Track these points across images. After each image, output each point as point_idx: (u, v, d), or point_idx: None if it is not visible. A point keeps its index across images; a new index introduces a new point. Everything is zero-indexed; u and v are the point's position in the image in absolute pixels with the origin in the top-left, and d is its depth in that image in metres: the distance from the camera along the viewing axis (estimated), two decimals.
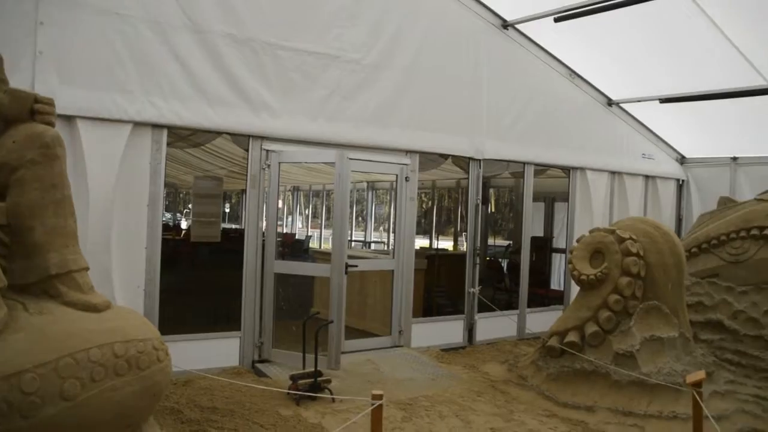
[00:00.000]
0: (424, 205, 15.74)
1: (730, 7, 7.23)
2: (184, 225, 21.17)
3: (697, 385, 4.36)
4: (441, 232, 15.85)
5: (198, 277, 9.82)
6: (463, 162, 8.34)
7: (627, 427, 5.24)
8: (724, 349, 7.11)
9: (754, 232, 7.29)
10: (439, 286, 9.24)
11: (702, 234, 7.88)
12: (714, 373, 6.10)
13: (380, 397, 3.72)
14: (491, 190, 13.50)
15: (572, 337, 6.19)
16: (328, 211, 19.54)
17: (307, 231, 19.96)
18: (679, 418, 5.23)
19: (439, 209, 15.54)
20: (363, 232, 17.79)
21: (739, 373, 6.65)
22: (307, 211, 21.24)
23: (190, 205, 27.62)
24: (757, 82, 8.36)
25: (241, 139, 6.71)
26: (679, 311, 6.30)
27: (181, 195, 23.69)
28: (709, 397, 5.57)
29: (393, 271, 7.53)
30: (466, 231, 8.49)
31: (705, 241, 7.75)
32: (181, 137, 7.37)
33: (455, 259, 9.38)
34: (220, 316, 7.08)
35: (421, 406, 5.50)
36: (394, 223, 7.97)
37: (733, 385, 6.13)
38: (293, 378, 5.61)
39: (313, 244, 17.25)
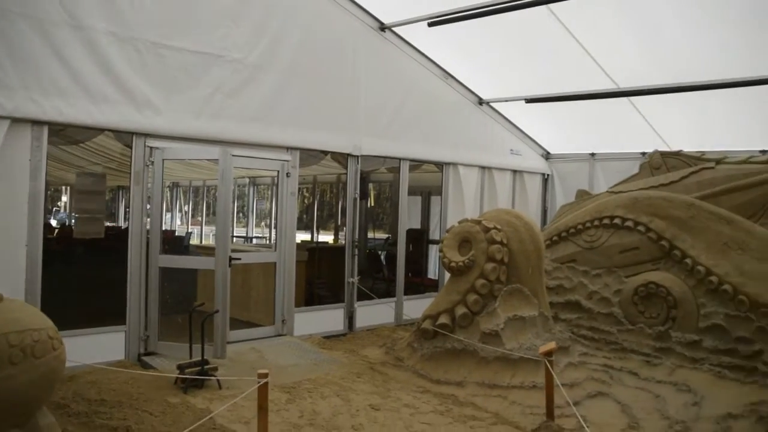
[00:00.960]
0: (305, 200, 15.99)
1: (582, 17, 7.97)
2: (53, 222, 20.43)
3: (549, 354, 4.91)
4: (322, 226, 16.16)
5: (80, 273, 9.64)
6: (342, 158, 8.69)
7: (492, 397, 5.76)
8: (580, 326, 7.90)
9: (606, 221, 8.11)
10: (320, 277, 9.57)
11: (562, 224, 8.64)
12: (570, 347, 6.77)
13: (266, 375, 3.98)
14: (371, 185, 13.95)
15: (444, 319, 6.67)
16: (209, 207, 19.41)
17: (187, 228, 19.71)
18: (537, 387, 5.77)
19: (321, 203, 15.85)
20: (245, 228, 17.82)
21: (591, 346, 7.42)
22: (186, 208, 20.96)
23: (59, 203, 26.56)
24: (610, 86, 9.24)
25: (125, 136, 6.73)
26: (539, 293, 6.94)
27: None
28: (565, 367, 6.21)
29: (275, 263, 7.77)
30: (345, 224, 8.84)
31: (564, 230, 8.53)
32: (61, 134, 7.24)
33: (335, 251, 9.73)
34: (105, 311, 7.06)
35: (305, 389, 5.79)
36: (276, 217, 8.20)
37: (586, 357, 6.83)
38: (180, 367, 5.74)
39: (194, 241, 17.10)
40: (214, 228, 7.83)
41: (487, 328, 6.43)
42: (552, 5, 7.68)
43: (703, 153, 9.09)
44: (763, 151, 9.49)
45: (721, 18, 7.36)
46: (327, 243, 11.27)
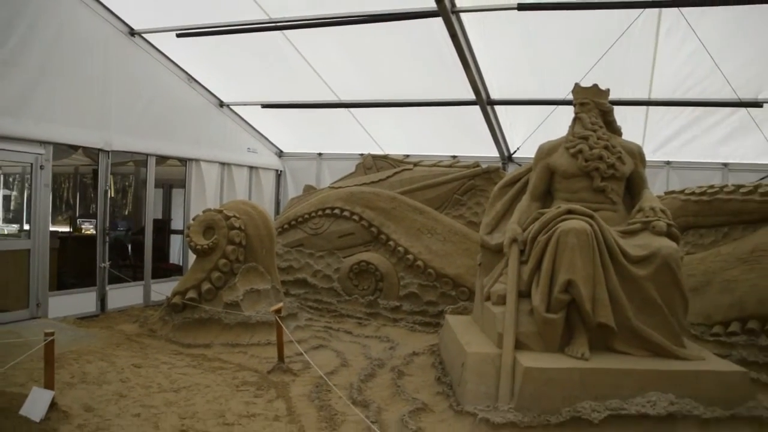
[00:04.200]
0: (60, 191, 15.69)
1: (311, 42, 9.52)
2: None
3: (278, 312, 6.37)
4: (76, 215, 15.96)
5: None
6: (93, 153, 9.27)
7: (235, 353, 7.04)
8: (307, 299, 9.48)
9: (328, 211, 9.79)
10: (74, 263, 9.95)
11: (291, 213, 10.16)
12: (298, 314, 8.30)
13: (52, 333, 4.86)
14: (120, 177, 14.31)
15: (191, 294, 7.78)
16: None
17: None
18: (272, 344, 7.16)
19: (74, 194, 15.62)
20: None
21: (316, 314, 9.04)
22: None
23: None
24: (333, 98, 10.98)
25: None
26: (271, 270, 8.37)
27: None
28: (294, 330, 7.71)
29: (29, 250, 8.19)
30: (97, 214, 9.38)
31: (293, 219, 10.05)
32: None
33: (88, 239, 10.14)
34: None
35: (70, 358, 6.47)
36: (30, 207, 8.53)
37: (311, 322, 8.43)
38: None
39: None
40: None
41: (229, 300, 7.69)
42: (286, 31, 9.15)
43: (407, 156, 11.26)
44: (454, 156, 11.75)
45: (422, 53, 9.34)
46: (80, 231, 11.49)
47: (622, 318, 5.22)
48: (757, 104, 9.31)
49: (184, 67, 10.64)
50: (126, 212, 14.96)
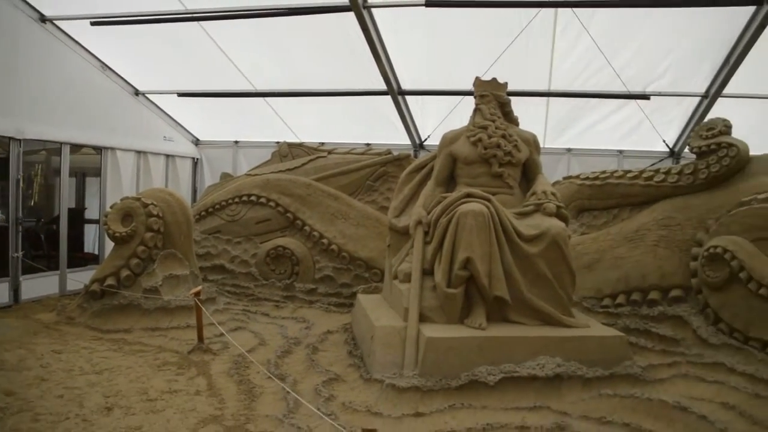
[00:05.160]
0: None
1: (228, 33, 9.70)
2: None
3: (197, 295, 6.63)
4: None
5: None
6: (4, 141, 9.17)
7: (155, 337, 7.23)
8: (225, 285, 9.68)
9: (244, 198, 10.01)
10: None
11: (209, 201, 10.32)
12: (216, 298, 8.55)
13: None
14: (31, 166, 13.99)
15: (110, 281, 7.90)
16: None
17: None
18: (191, 327, 7.37)
19: None
20: None
21: (234, 298, 9.27)
22: None
23: None
24: (249, 88, 11.18)
25: None
26: (189, 256, 8.56)
27: None
28: (213, 313, 7.93)
29: None
30: (9, 204, 9.28)
31: (211, 206, 10.22)
32: None
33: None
34: None
35: None
36: None
37: (229, 306, 8.68)
38: None
39: None
40: None
41: (148, 285, 7.85)
42: (203, 23, 9.31)
43: (322, 144, 11.58)
44: (367, 144, 12.15)
45: (335, 45, 9.68)
46: None
47: (515, 291, 5.80)
48: (645, 96, 10.12)
49: (97, 55, 10.55)
50: (32, 202, 14.69)
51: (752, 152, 6.92)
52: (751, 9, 8.20)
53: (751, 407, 4.91)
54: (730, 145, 6.89)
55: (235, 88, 11.34)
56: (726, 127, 7.04)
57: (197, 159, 13.61)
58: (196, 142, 13.62)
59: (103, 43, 10.22)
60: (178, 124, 12.97)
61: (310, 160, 10.47)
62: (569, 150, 12.01)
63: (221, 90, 11.48)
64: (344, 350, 6.57)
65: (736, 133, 7.06)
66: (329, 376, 5.66)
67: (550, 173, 10.06)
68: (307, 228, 9.70)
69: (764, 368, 5.53)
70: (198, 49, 10.07)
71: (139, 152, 11.65)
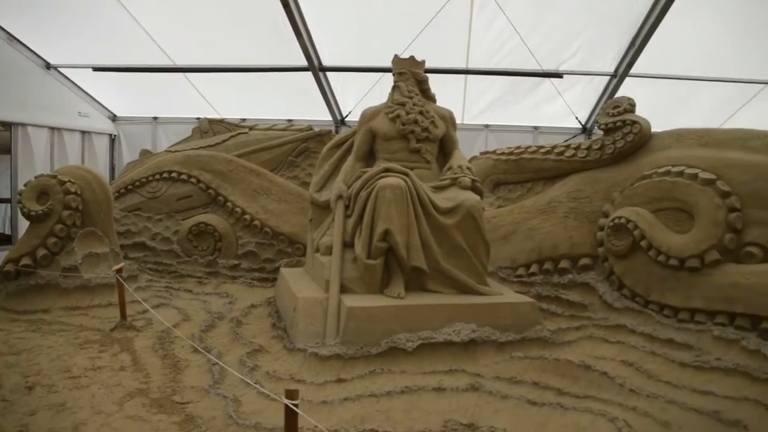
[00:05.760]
0: None
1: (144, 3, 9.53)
2: None
3: (119, 271, 6.61)
4: None
5: None
6: None
7: (76, 316, 7.11)
8: (147, 262, 9.55)
9: (165, 175, 9.86)
10: None
11: (128, 178, 10.13)
12: (138, 275, 8.48)
13: None
14: None
15: (26, 260, 7.71)
16: None
17: None
18: (113, 305, 7.29)
19: None
20: None
21: (156, 276, 9.20)
22: None
23: None
24: (167, 62, 11.01)
25: None
26: (110, 233, 8.43)
27: None
28: (135, 290, 7.87)
29: None
30: None
31: (130, 183, 10.02)
32: None
33: None
34: None
35: None
36: None
37: (151, 283, 8.61)
38: None
39: None
40: None
41: (67, 264, 7.72)
42: None
43: (243, 120, 11.50)
44: (289, 120, 12.17)
45: (256, 21, 9.66)
46: None
47: (433, 261, 6.05)
48: (558, 75, 10.54)
49: (3, 26, 10.16)
50: None
51: (654, 129, 7.35)
52: None
53: (647, 363, 5.36)
54: (634, 123, 7.29)
55: (153, 63, 11.17)
56: (630, 105, 7.45)
57: (115, 135, 13.33)
58: (113, 118, 13.32)
59: (8, 12, 9.84)
60: (94, 99, 12.65)
61: (232, 137, 10.38)
62: (487, 126, 12.37)
63: (139, 64, 11.27)
64: (268, 323, 6.69)
65: (641, 111, 7.48)
66: (253, 347, 5.78)
67: (468, 149, 10.38)
68: (229, 204, 9.68)
69: (661, 329, 6.00)
70: (113, 21, 9.87)
71: (52, 128, 11.34)
